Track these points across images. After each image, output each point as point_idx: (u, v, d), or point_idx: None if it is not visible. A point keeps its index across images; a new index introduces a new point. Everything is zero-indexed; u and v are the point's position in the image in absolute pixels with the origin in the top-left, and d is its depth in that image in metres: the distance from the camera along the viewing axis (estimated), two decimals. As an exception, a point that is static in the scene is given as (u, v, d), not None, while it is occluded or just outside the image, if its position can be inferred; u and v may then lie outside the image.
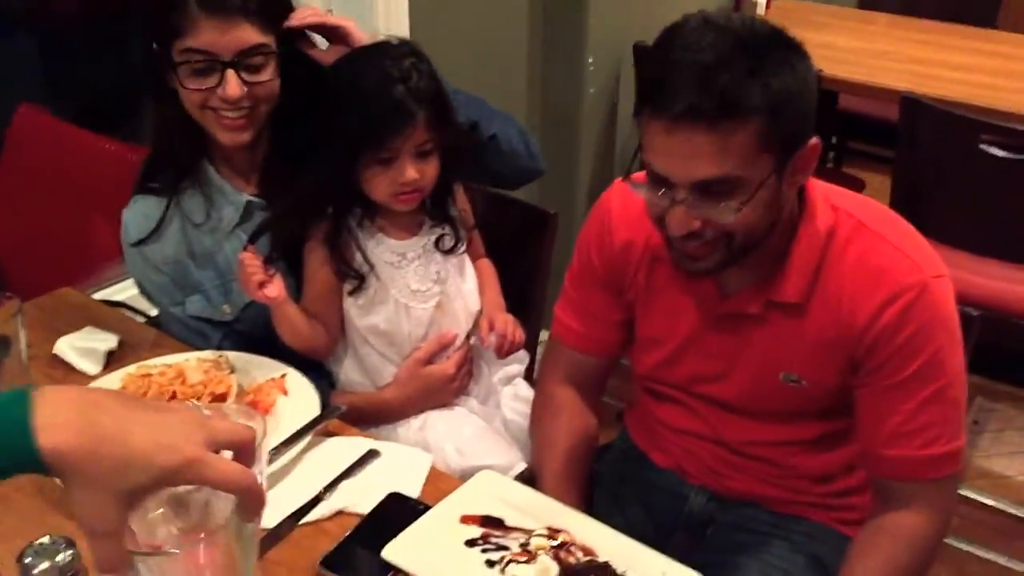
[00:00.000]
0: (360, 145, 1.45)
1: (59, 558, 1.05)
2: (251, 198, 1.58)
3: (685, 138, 1.15)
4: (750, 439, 1.42)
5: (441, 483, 1.33)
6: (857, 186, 2.91)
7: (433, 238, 1.58)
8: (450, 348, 1.60)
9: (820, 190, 1.31)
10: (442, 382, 1.59)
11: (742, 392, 1.38)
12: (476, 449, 1.54)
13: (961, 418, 1.30)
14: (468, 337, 1.63)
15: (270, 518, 1.23)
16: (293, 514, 1.25)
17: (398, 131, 1.44)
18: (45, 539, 1.07)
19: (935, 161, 2.43)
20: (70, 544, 1.07)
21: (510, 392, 1.69)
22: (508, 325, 1.61)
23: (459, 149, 1.55)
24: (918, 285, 1.24)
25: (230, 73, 1.43)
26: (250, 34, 1.43)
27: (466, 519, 1.24)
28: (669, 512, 1.49)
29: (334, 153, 1.48)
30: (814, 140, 1.22)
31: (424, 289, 1.57)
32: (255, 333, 1.60)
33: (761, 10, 3.27)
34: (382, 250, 1.55)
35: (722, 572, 1.38)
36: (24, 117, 2.39)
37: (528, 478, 1.50)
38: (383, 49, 1.51)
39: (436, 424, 1.58)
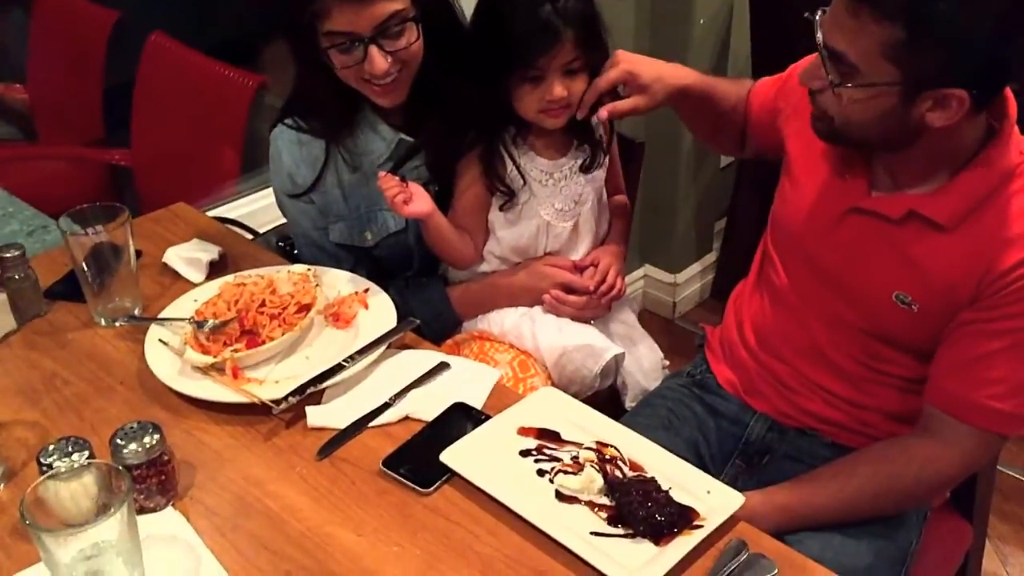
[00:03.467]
0: (510, 64, 1.49)
1: (146, 440, 1.17)
2: (403, 136, 1.64)
3: (839, 9, 1.19)
4: (841, 348, 1.41)
5: (506, 397, 1.39)
6: None
7: (579, 160, 1.63)
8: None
9: (1016, 134, 1.28)
10: (551, 281, 1.64)
11: (850, 299, 1.38)
12: (575, 330, 1.61)
13: None
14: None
15: (342, 419, 1.32)
16: (363, 417, 1.33)
17: (545, 50, 1.47)
18: (134, 424, 1.19)
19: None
20: (156, 429, 1.18)
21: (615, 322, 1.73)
22: (611, 270, 1.64)
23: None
24: None
25: (373, 49, 1.46)
26: (383, 6, 1.44)
27: (523, 431, 1.30)
28: (729, 438, 1.51)
29: (485, 73, 1.52)
30: (961, 92, 1.17)
31: (567, 208, 1.63)
32: (390, 260, 1.70)
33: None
34: (532, 168, 1.61)
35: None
36: (155, 44, 2.53)
37: (614, 369, 1.60)
38: None
39: (538, 312, 1.65)
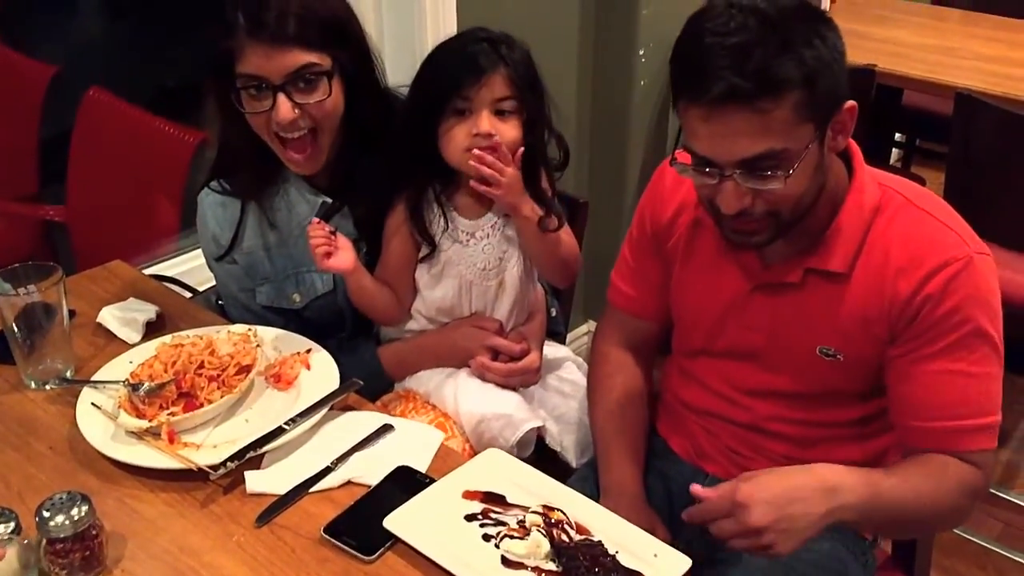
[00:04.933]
0: (443, 98, 1.47)
1: (74, 511, 1.12)
2: (327, 199, 1.63)
3: (725, 121, 1.19)
4: (780, 417, 1.43)
5: (450, 460, 1.37)
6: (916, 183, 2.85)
7: (500, 218, 1.60)
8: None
9: (868, 171, 1.35)
10: (479, 343, 1.62)
11: (778, 367, 1.40)
12: (496, 398, 1.58)
13: (998, 392, 1.31)
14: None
15: (282, 485, 1.29)
16: (304, 482, 1.30)
17: (476, 79, 1.46)
18: (63, 494, 1.14)
19: (991, 159, 2.38)
20: (85, 500, 1.13)
21: (554, 376, 1.72)
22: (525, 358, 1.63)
23: (542, 136, 1.55)
24: (964, 258, 1.27)
25: (280, 97, 1.45)
26: (297, 56, 1.44)
27: (468, 494, 1.28)
28: (683, 501, 1.49)
29: (416, 112, 1.51)
30: (849, 103, 1.25)
31: (489, 267, 1.62)
32: (320, 321, 1.67)
33: (826, 4, 3.22)
34: (454, 227, 1.59)
35: (734, 564, 1.38)
36: (93, 99, 2.50)
37: (533, 439, 1.57)
38: (481, 28, 1.53)
39: (463, 374, 1.63)
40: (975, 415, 1.30)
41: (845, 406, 1.41)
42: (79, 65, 2.88)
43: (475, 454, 1.45)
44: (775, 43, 1.17)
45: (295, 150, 1.52)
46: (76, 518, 1.11)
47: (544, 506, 1.23)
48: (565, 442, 1.64)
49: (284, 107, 1.46)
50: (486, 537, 1.22)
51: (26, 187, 2.81)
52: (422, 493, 1.26)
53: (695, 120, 1.22)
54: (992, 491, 2.47)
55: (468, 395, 1.59)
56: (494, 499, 1.28)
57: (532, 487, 1.29)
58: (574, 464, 1.63)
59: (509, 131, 1.49)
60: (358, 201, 1.62)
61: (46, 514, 1.11)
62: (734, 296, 1.42)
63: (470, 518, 1.24)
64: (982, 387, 1.30)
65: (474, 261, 1.60)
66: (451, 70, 1.48)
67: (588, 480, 1.52)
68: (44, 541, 1.12)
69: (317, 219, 1.53)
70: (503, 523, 1.23)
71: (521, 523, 1.22)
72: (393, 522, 1.21)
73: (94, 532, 1.14)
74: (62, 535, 1.10)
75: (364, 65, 1.57)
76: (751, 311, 1.41)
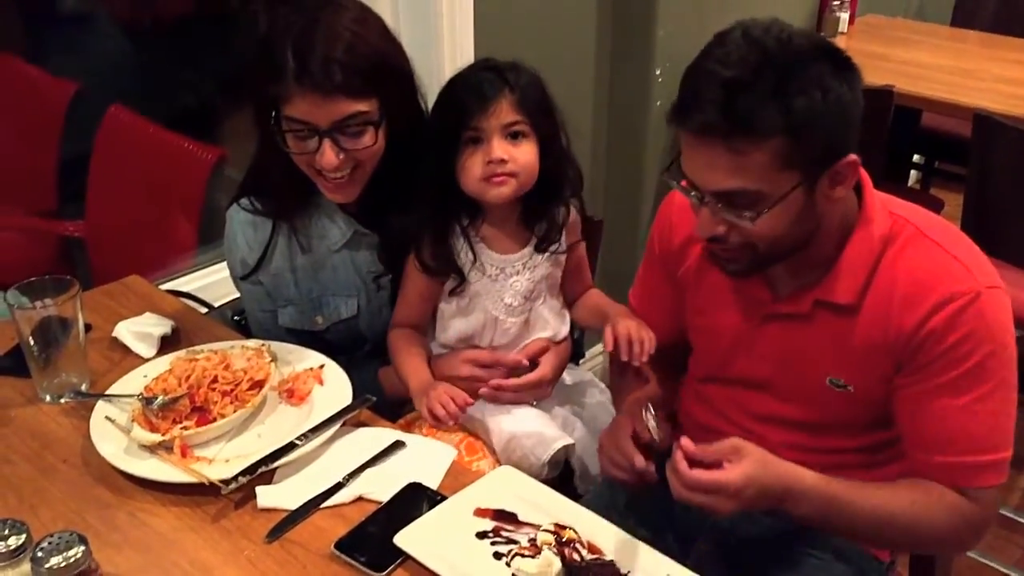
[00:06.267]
0: (456, 130, 1.48)
1: (71, 553, 1.07)
2: (358, 227, 1.62)
3: (704, 151, 1.19)
4: (791, 444, 1.40)
5: (462, 476, 1.36)
6: (935, 205, 2.84)
7: (533, 255, 1.59)
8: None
9: (880, 198, 1.32)
10: (457, 359, 1.60)
11: (788, 397, 1.39)
12: (526, 416, 1.57)
13: (1007, 428, 1.29)
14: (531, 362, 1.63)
15: (293, 500, 1.29)
16: (315, 498, 1.29)
17: (484, 107, 1.46)
18: (63, 534, 1.09)
19: (1009, 181, 2.36)
20: (83, 540, 1.09)
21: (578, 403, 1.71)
22: (630, 329, 1.56)
23: (560, 156, 1.55)
24: (970, 292, 1.24)
25: (327, 143, 1.44)
26: (345, 105, 1.43)
27: (480, 512, 1.27)
28: (694, 520, 1.48)
29: (433, 149, 1.51)
30: (851, 157, 1.22)
31: (516, 304, 1.60)
32: (341, 345, 1.67)
33: (844, 26, 3.22)
34: (482, 260, 1.58)
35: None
36: (114, 116, 2.52)
37: (563, 459, 1.56)
38: (490, 59, 1.54)
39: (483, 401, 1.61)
40: (978, 452, 1.27)
41: (856, 435, 1.40)
42: (101, 83, 2.90)
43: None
44: (767, 86, 1.14)
45: (335, 186, 1.52)
46: (72, 560, 1.07)
47: (556, 524, 1.22)
48: (585, 468, 1.62)
49: (329, 153, 1.45)
50: (497, 555, 1.21)
51: (46, 203, 2.83)
52: (434, 510, 1.26)
53: (684, 142, 1.23)
54: (1011, 516, 2.44)
55: (498, 414, 1.57)
56: (506, 517, 1.27)
57: (544, 505, 1.29)
58: (579, 489, 1.62)
59: (523, 155, 1.49)
60: (388, 232, 1.62)
61: (40, 554, 1.07)
62: (744, 326, 1.41)
63: (481, 535, 1.24)
64: (989, 422, 1.27)
65: (501, 296, 1.59)
66: (459, 103, 1.48)
67: (603, 497, 1.51)
68: None
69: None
70: (514, 541, 1.23)
71: (532, 541, 1.21)
72: (404, 539, 1.20)
73: (90, 574, 1.09)
74: None
75: (409, 98, 1.56)
76: (761, 341, 1.40)
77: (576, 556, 1.18)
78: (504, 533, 1.24)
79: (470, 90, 1.48)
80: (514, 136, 1.49)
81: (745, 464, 1.22)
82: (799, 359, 1.37)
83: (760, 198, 1.19)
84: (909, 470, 1.34)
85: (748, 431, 1.44)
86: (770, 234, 1.23)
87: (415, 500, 1.29)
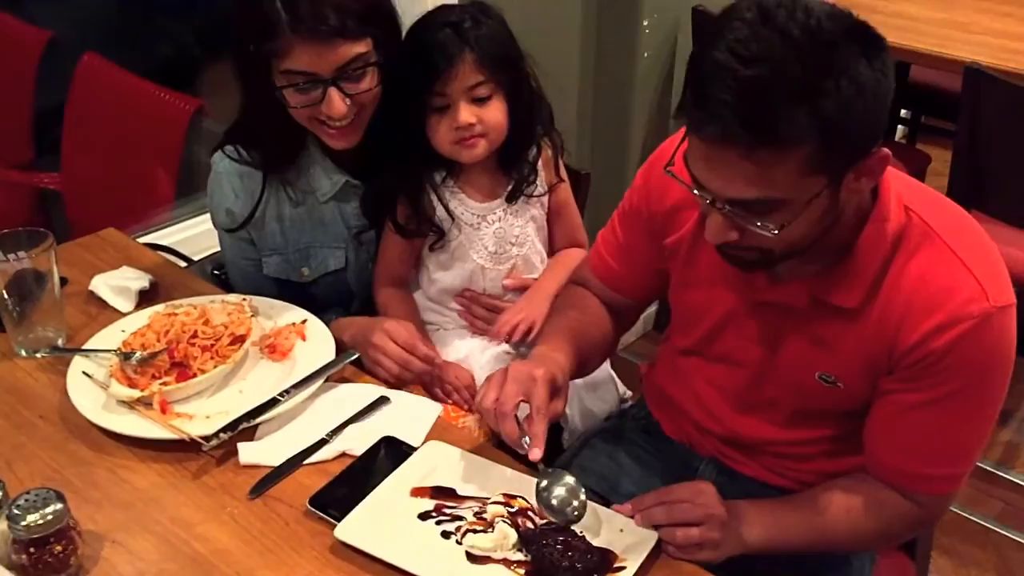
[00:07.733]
0: (420, 95, 1.46)
1: (48, 509, 1.06)
2: (348, 178, 1.59)
3: (721, 159, 1.05)
4: (762, 432, 1.38)
5: (446, 433, 1.34)
6: (923, 161, 2.81)
7: (516, 201, 1.58)
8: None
9: (895, 186, 1.19)
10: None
11: (772, 382, 1.33)
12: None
13: (978, 447, 1.26)
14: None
15: (275, 456, 1.27)
16: (298, 454, 1.28)
17: (445, 73, 1.43)
18: (39, 491, 1.08)
19: (999, 136, 2.34)
20: (60, 498, 1.08)
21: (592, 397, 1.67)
22: (517, 327, 1.57)
23: (530, 102, 1.52)
24: (980, 315, 1.14)
25: (332, 91, 1.41)
26: (345, 49, 1.39)
27: (416, 492, 1.22)
28: (678, 481, 1.47)
29: (403, 109, 1.49)
30: (883, 152, 1.09)
31: (501, 251, 1.59)
32: (327, 298, 1.64)
33: (834, -23, 3.17)
34: (463, 210, 1.56)
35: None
36: (88, 65, 2.46)
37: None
38: (449, 7, 1.50)
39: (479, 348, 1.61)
40: (937, 465, 1.23)
41: (829, 425, 1.34)
42: (77, 33, 2.83)
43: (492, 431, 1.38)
44: (794, 87, 0.99)
45: (339, 133, 1.48)
46: (49, 518, 1.06)
47: (505, 495, 1.19)
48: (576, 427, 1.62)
49: (336, 101, 1.41)
50: (445, 534, 1.16)
51: (21, 155, 2.77)
52: (368, 497, 1.19)
53: (694, 144, 1.08)
54: (992, 470, 2.45)
55: (488, 368, 1.55)
56: (444, 493, 1.22)
57: (478, 475, 1.24)
58: (564, 444, 1.61)
59: (491, 115, 1.48)
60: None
61: (16, 511, 1.06)
62: (737, 306, 1.32)
63: (424, 516, 1.19)
64: (961, 440, 1.23)
65: (485, 244, 1.58)
66: (421, 65, 1.45)
67: (577, 457, 1.50)
68: (11, 539, 1.07)
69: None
70: (460, 517, 1.18)
71: (479, 515, 1.18)
72: (345, 532, 1.14)
73: (67, 531, 1.08)
74: (29, 537, 1.05)
75: (397, 37, 1.52)
76: (753, 324, 1.32)
77: (530, 524, 1.16)
78: (447, 511, 1.19)
79: (431, 51, 1.44)
80: (480, 100, 1.46)
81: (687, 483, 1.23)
82: (790, 349, 1.29)
83: (784, 206, 1.07)
84: (864, 461, 1.30)
85: (719, 419, 1.41)
86: (791, 240, 1.13)
87: (388, 455, 1.27)
